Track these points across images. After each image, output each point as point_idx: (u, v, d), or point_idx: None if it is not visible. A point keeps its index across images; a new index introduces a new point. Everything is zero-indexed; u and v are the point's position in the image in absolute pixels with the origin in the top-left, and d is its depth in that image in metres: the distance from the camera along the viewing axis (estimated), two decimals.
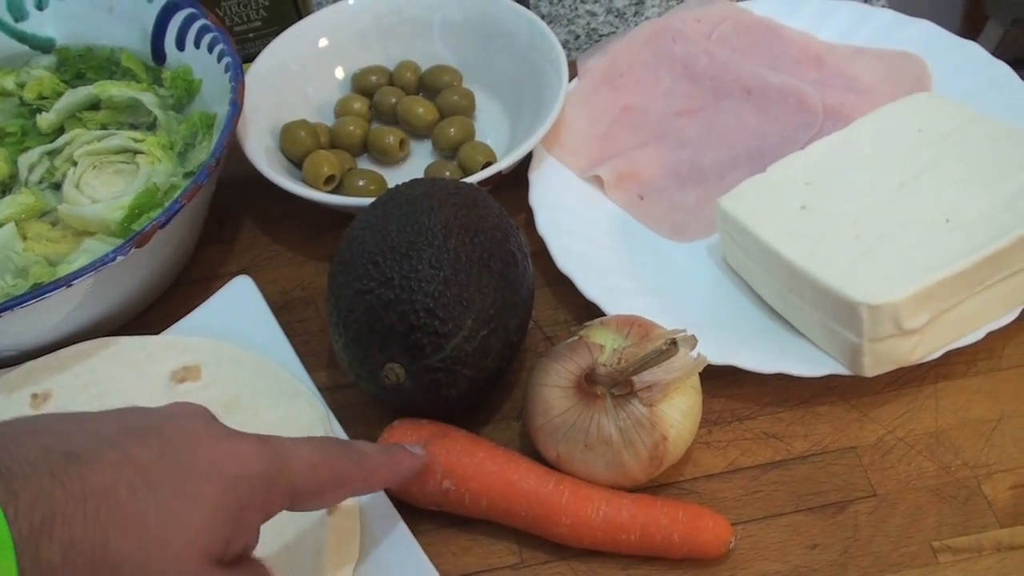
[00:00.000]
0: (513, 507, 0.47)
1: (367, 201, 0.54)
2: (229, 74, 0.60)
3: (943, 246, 0.50)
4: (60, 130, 0.64)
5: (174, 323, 0.57)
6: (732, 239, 0.56)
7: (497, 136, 0.68)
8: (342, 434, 0.52)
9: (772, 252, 0.52)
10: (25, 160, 0.62)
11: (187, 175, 0.60)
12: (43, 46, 0.70)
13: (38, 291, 0.49)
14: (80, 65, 0.68)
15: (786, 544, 0.47)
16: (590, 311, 0.54)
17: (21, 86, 0.67)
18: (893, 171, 0.54)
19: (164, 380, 0.53)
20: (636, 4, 0.80)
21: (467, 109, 0.68)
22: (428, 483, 0.47)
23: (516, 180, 0.62)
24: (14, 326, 0.51)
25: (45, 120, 0.64)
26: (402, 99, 0.69)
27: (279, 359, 0.54)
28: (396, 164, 0.68)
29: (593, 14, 0.80)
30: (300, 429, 0.50)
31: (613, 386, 0.46)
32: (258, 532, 0.38)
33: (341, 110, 0.69)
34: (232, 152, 0.58)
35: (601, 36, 0.78)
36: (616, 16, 0.79)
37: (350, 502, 0.47)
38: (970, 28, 1.42)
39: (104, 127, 0.64)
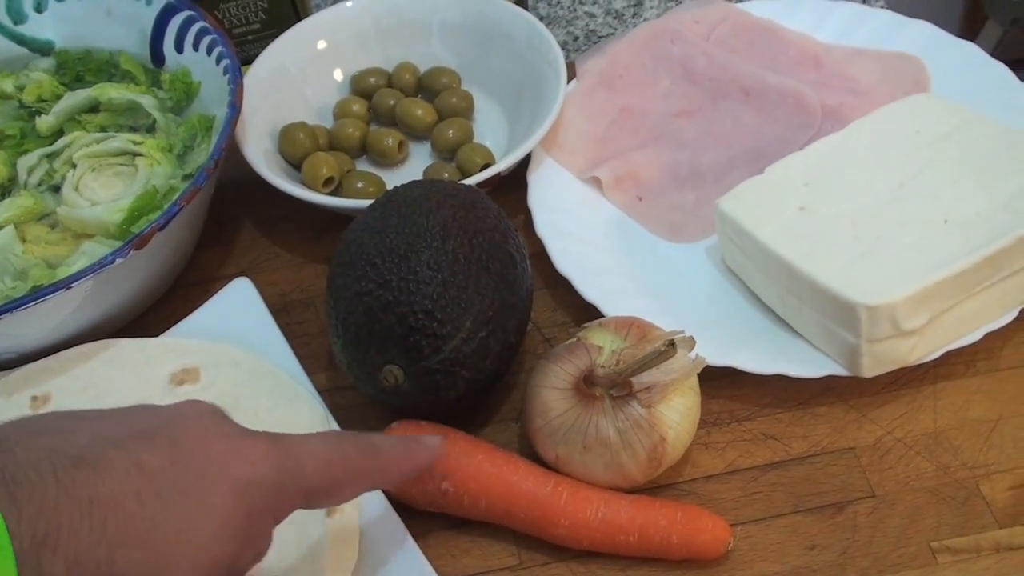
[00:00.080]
0: (512, 508, 0.47)
1: (366, 203, 0.54)
2: (228, 76, 0.61)
3: (941, 247, 0.50)
4: (59, 133, 0.64)
5: (173, 325, 0.57)
6: (731, 240, 0.56)
7: (496, 138, 0.68)
8: None
9: (770, 253, 0.52)
10: (24, 163, 0.62)
11: (186, 177, 0.61)
12: (42, 49, 0.70)
13: (37, 293, 0.49)
14: (79, 68, 0.68)
15: (785, 545, 0.47)
16: (589, 312, 0.54)
17: (20, 89, 0.67)
18: (891, 172, 0.54)
19: (163, 382, 0.53)
20: (635, 5, 0.80)
21: (466, 111, 0.69)
22: (427, 485, 0.47)
23: (515, 182, 0.62)
24: (13, 328, 0.51)
25: (44, 123, 0.64)
26: (401, 101, 0.69)
27: (278, 361, 0.54)
28: (395, 166, 0.68)
29: (592, 15, 0.80)
30: (299, 431, 0.48)
31: (612, 387, 0.46)
32: (271, 536, 0.37)
33: (340, 112, 0.69)
34: (231, 154, 0.59)
35: (599, 37, 0.78)
36: (615, 17, 0.80)
37: (349, 504, 0.47)
38: (969, 28, 1.42)
39: (103, 129, 0.64)
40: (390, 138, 0.66)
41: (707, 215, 0.60)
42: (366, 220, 0.50)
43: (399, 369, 0.47)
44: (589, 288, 0.55)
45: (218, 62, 0.62)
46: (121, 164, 0.61)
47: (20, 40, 0.70)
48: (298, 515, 0.39)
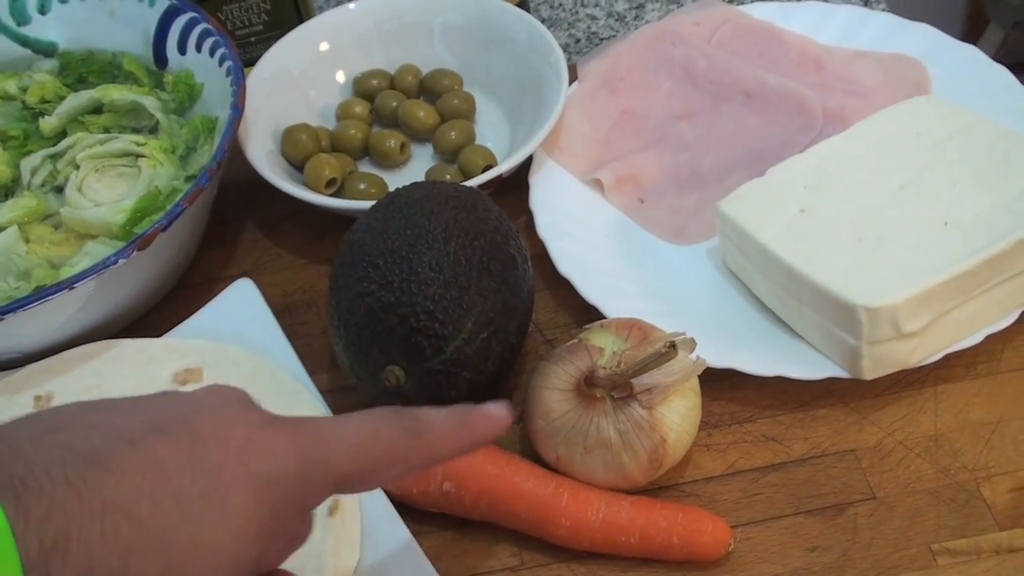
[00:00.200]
0: (513, 509, 0.47)
1: (368, 204, 0.54)
2: (231, 78, 0.61)
3: (942, 249, 0.50)
4: (62, 134, 0.64)
5: (176, 326, 0.57)
6: (731, 242, 0.56)
7: (497, 139, 0.68)
8: None
9: (771, 255, 0.52)
10: (28, 164, 0.62)
11: (189, 178, 0.61)
12: (46, 50, 0.70)
13: (41, 294, 0.50)
14: (82, 69, 0.68)
15: (785, 546, 0.47)
16: (590, 314, 0.55)
17: (24, 90, 0.67)
18: (892, 174, 0.55)
19: (166, 382, 0.53)
20: (636, 8, 0.80)
21: (467, 113, 0.69)
22: (428, 485, 0.47)
23: (516, 183, 0.62)
24: (17, 328, 0.51)
25: (48, 124, 0.64)
26: (403, 103, 0.69)
27: (280, 361, 0.54)
28: (397, 167, 0.68)
29: (593, 18, 0.80)
30: None
31: (613, 389, 0.46)
32: (309, 521, 0.35)
33: (342, 114, 0.70)
34: (233, 156, 0.59)
35: (601, 40, 0.78)
36: (616, 20, 0.80)
37: (351, 504, 0.47)
38: (971, 32, 1.42)
39: (106, 131, 0.64)
40: (392, 140, 0.66)
41: (708, 217, 0.61)
42: (368, 221, 0.50)
43: (401, 370, 0.47)
44: (590, 289, 0.56)
45: (221, 63, 0.62)
46: (124, 165, 0.61)
47: (24, 41, 0.70)
48: None
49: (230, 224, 0.66)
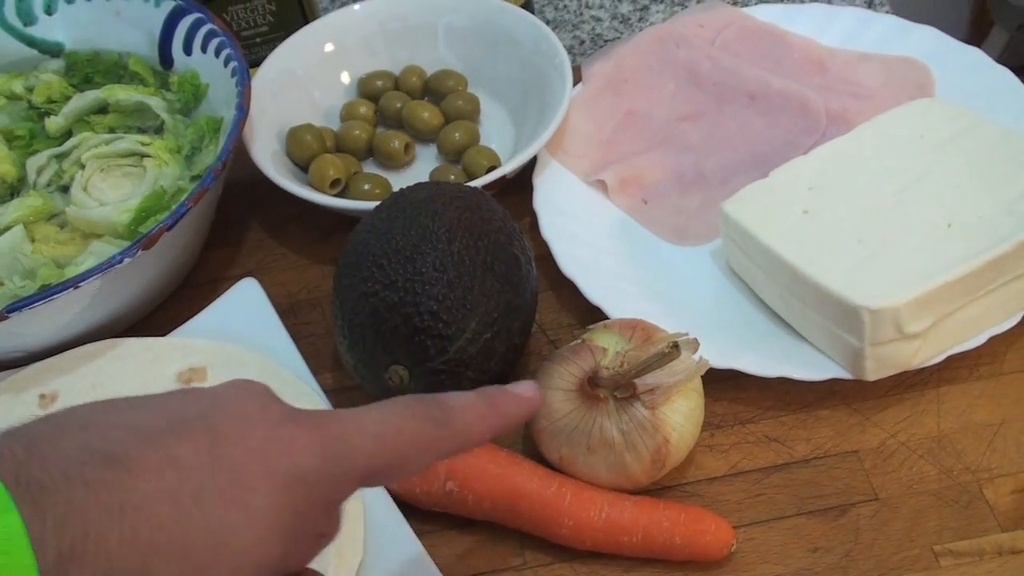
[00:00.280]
0: (516, 509, 0.47)
1: (372, 205, 0.54)
2: (236, 78, 0.61)
3: (945, 251, 0.50)
4: (68, 133, 0.64)
5: (180, 325, 0.57)
6: (735, 243, 0.56)
7: (501, 140, 0.68)
8: None
9: (774, 256, 0.52)
10: (33, 163, 0.62)
11: (194, 178, 0.61)
12: (52, 50, 0.70)
13: (46, 292, 0.50)
14: (88, 69, 0.68)
15: (788, 547, 0.47)
16: (593, 314, 0.55)
17: (30, 90, 0.67)
18: (895, 176, 0.55)
19: (170, 381, 0.53)
20: (641, 10, 0.80)
21: (472, 114, 0.69)
22: (432, 485, 0.47)
23: (520, 184, 0.63)
24: (22, 327, 0.51)
25: (53, 124, 0.64)
26: (407, 104, 0.69)
27: (285, 361, 0.54)
28: (401, 168, 0.68)
29: (598, 19, 0.80)
30: None
31: (616, 389, 0.46)
32: (337, 518, 0.35)
33: (347, 114, 0.70)
34: (238, 156, 0.59)
35: (606, 41, 0.78)
36: (621, 21, 0.80)
37: (354, 504, 0.47)
38: (975, 34, 1.42)
39: (112, 131, 0.64)
40: (396, 140, 0.67)
41: (711, 218, 0.61)
42: (372, 221, 0.50)
43: (405, 369, 0.47)
44: (594, 290, 0.56)
45: (226, 64, 0.63)
46: (129, 165, 0.61)
47: (30, 42, 0.70)
48: None
49: (235, 224, 0.66)
